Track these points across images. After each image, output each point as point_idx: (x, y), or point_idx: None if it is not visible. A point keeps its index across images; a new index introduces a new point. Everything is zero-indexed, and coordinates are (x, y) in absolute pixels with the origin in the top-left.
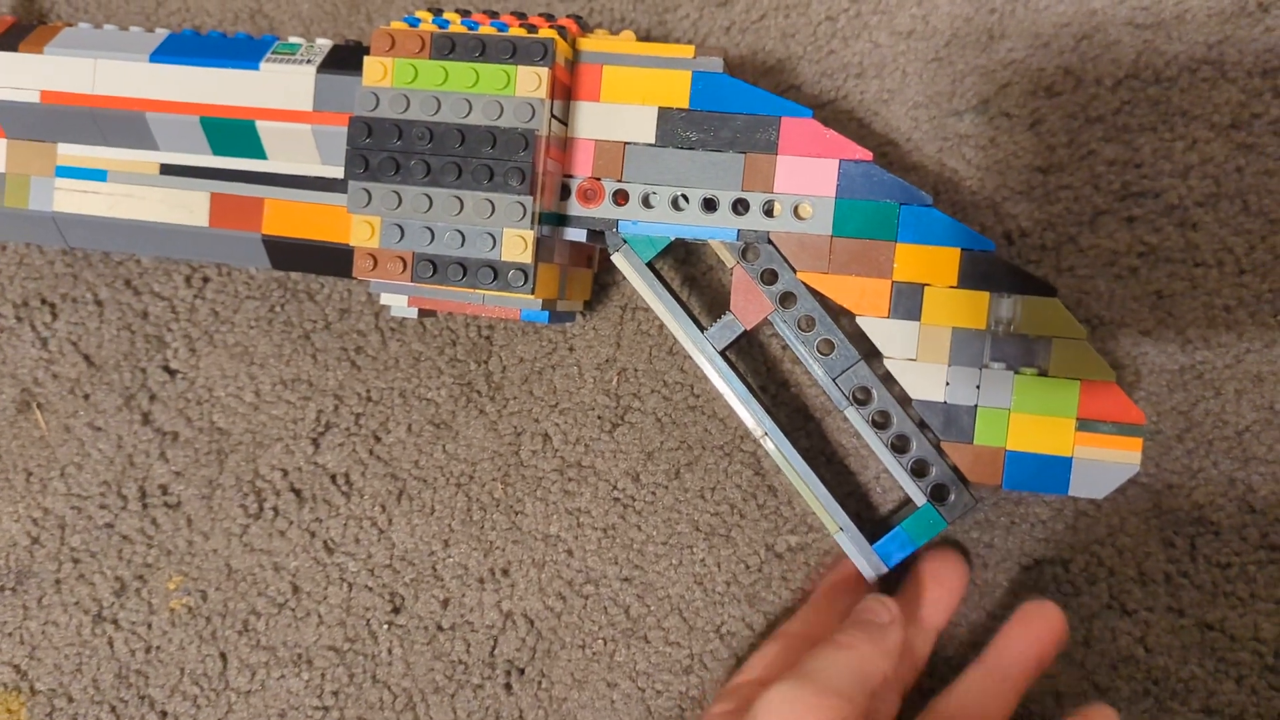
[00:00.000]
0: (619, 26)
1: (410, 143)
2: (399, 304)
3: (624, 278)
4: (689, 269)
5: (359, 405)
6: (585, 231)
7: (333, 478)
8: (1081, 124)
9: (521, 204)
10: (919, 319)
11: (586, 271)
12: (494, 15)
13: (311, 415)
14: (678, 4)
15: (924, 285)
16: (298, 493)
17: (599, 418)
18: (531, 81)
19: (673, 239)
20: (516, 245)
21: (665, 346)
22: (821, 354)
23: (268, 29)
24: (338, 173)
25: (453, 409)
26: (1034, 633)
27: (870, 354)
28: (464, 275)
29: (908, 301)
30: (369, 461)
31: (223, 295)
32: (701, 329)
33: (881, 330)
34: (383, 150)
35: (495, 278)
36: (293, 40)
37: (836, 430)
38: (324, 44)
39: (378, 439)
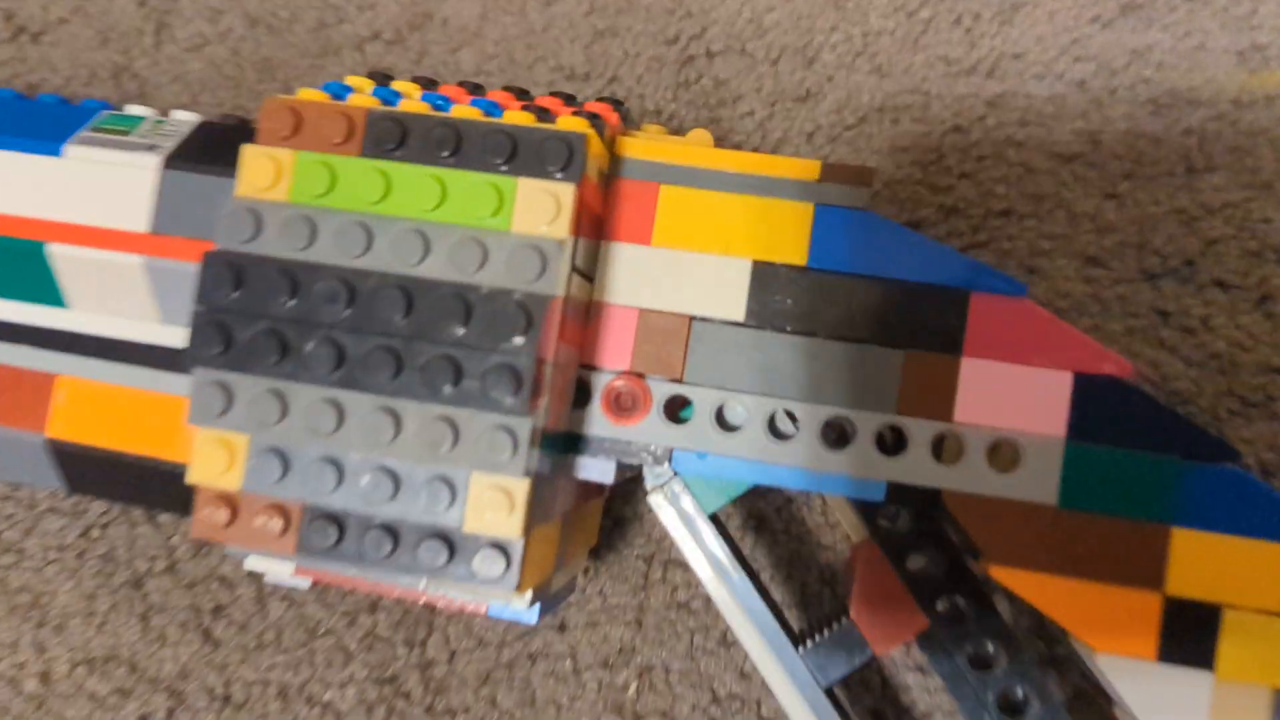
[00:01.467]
0: (651, 121)
1: (312, 307)
2: (279, 571)
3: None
4: (755, 501)
5: (210, 709)
6: (614, 465)
7: None
8: None
9: (510, 432)
10: (1211, 668)
11: (595, 504)
12: (478, 90)
13: None
14: (738, 94)
15: (1221, 606)
16: None
17: None
18: (544, 208)
19: (758, 484)
20: (495, 505)
21: (718, 632)
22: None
23: (136, 94)
24: (184, 340)
25: None
26: None
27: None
28: (393, 550)
29: (1191, 635)
30: None
31: (8, 505)
32: (797, 643)
33: (1140, 683)
34: (260, 316)
35: (451, 559)
36: (132, 111)
37: None
38: (185, 119)
39: None
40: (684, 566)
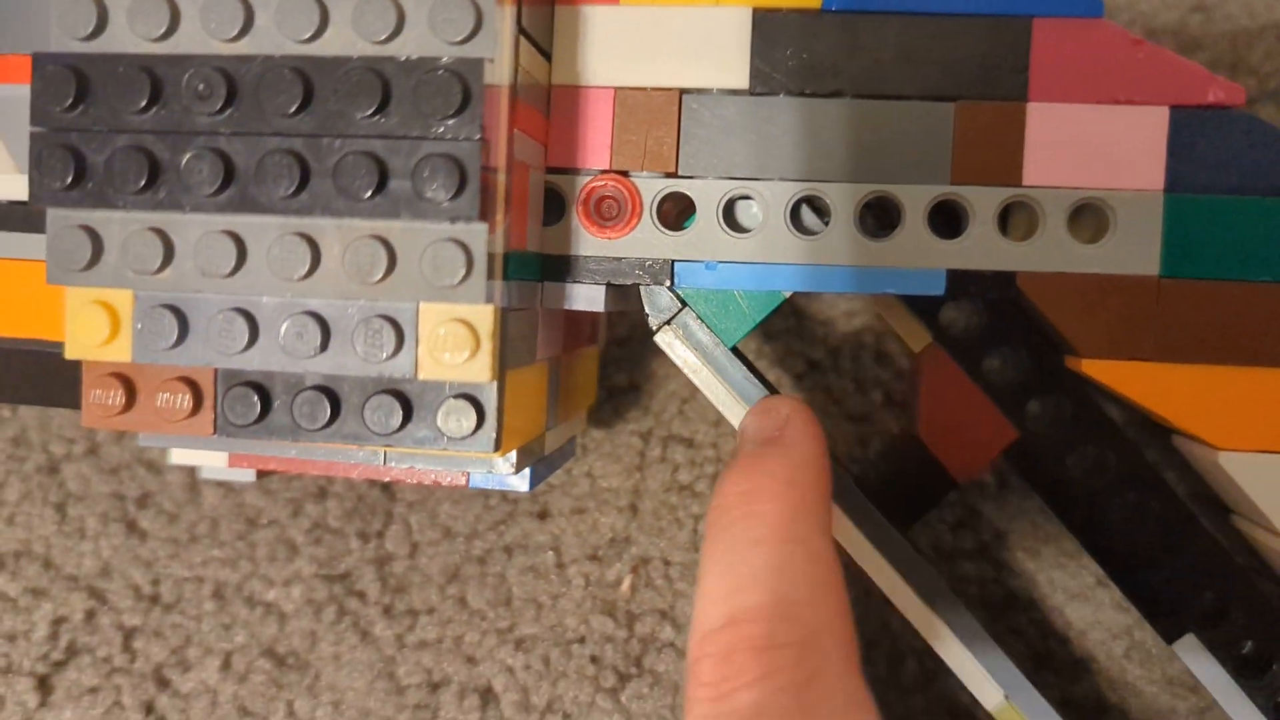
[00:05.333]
0: None
1: (181, 111)
2: (212, 463)
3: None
4: (791, 340)
5: (136, 609)
6: (603, 290)
7: None
8: None
9: (461, 244)
10: None
11: (587, 354)
12: None
13: (43, 626)
14: None
15: None
16: None
17: (594, 661)
18: None
19: (789, 294)
20: (454, 343)
21: None
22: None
23: None
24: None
25: (312, 628)
26: None
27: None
28: (333, 417)
29: None
30: None
31: None
32: (896, 512)
33: (1275, 481)
34: (117, 131)
35: (408, 419)
36: None
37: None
38: None
39: (164, 682)
40: (687, 443)
